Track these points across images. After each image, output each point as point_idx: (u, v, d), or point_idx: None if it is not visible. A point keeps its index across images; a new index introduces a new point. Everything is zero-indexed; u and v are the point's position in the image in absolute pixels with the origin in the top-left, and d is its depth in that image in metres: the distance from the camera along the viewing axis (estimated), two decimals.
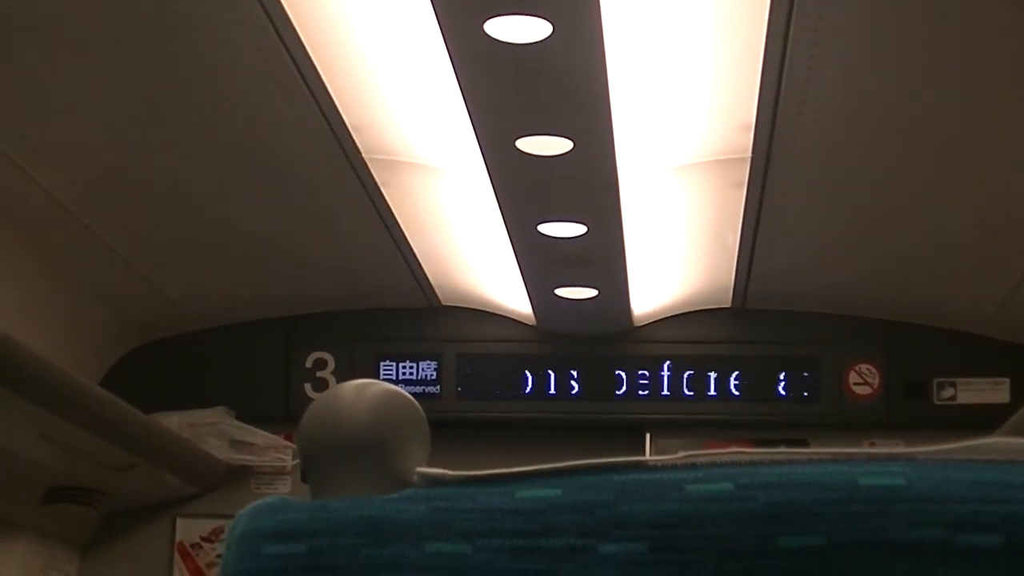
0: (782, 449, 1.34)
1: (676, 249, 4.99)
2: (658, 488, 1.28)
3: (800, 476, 1.26)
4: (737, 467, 1.29)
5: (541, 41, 3.26)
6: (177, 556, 5.64)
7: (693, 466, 1.30)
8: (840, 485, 1.25)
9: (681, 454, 1.31)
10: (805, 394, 5.55)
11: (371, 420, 1.51)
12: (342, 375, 5.64)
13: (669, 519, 1.26)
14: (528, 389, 5.62)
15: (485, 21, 3.19)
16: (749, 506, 1.24)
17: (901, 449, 1.30)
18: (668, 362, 5.59)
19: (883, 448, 1.32)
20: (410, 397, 1.58)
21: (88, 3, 3.32)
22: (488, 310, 5.64)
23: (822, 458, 1.30)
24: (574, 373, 5.63)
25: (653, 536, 1.25)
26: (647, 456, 1.83)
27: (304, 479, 1.61)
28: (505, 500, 1.31)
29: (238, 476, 5.60)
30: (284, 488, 5.58)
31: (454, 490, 1.36)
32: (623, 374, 5.61)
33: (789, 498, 1.24)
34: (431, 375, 5.64)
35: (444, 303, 5.63)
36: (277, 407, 5.57)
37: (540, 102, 3.68)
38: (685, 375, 5.58)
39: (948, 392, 5.51)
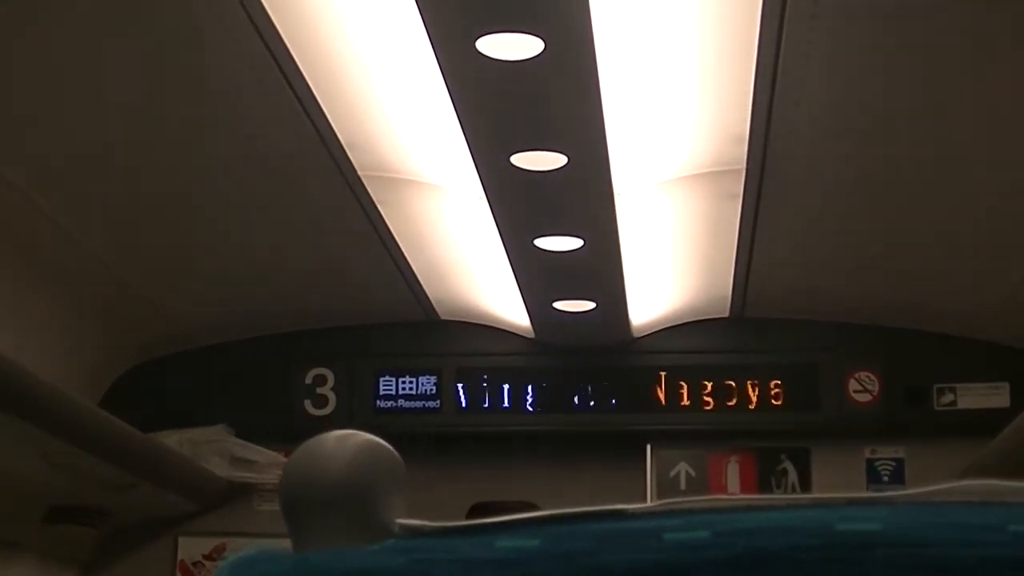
0: (763, 496, 1.33)
1: (673, 260, 5.00)
2: (636, 536, 1.28)
3: (778, 522, 1.26)
4: (716, 513, 1.29)
5: (533, 58, 3.26)
6: (179, 575, 5.63)
7: (671, 513, 1.30)
8: (817, 531, 1.24)
9: (660, 502, 1.31)
10: (805, 402, 5.54)
11: (352, 471, 1.51)
12: (342, 391, 5.64)
13: (646, 568, 1.25)
14: (528, 402, 5.61)
15: (477, 39, 3.20)
16: (727, 554, 1.24)
17: (881, 494, 1.30)
18: (668, 373, 5.59)
19: (864, 493, 1.32)
20: (389, 447, 1.58)
21: (86, 27, 3.33)
22: (487, 324, 5.64)
23: (801, 503, 1.30)
24: (574, 386, 5.62)
25: None
26: (638, 498, 1.82)
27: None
28: (485, 550, 1.31)
29: (239, 494, 5.60)
30: None
31: (434, 541, 1.35)
32: (623, 386, 5.60)
33: (767, 545, 1.24)
34: (431, 390, 5.64)
35: (443, 317, 5.64)
36: (277, 424, 5.56)
37: (534, 118, 3.69)
38: (685, 385, 5.57)
39: (948, 398, 5.51)
